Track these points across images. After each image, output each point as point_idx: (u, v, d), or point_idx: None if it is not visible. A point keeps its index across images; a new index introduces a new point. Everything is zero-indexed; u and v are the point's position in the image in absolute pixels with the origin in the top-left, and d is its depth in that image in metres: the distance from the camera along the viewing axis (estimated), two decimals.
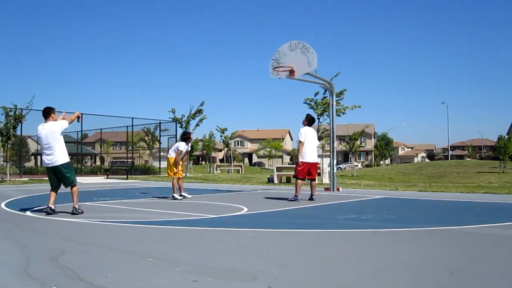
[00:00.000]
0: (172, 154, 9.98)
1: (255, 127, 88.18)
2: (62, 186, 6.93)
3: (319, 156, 21.01)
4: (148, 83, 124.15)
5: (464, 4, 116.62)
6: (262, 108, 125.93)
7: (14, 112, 18.52)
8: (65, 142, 6.86)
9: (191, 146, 10.33)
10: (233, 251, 4.16)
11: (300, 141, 9.05)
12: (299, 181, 9.04)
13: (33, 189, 13.37)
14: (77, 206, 6.82)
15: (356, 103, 22.23)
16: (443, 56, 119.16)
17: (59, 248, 4.14)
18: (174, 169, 9.87)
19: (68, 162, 6.81)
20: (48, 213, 6.60)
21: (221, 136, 38.03)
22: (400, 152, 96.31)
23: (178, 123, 23.46)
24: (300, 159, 9.07)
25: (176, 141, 24.54)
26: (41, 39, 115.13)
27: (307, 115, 9.47)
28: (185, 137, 10.23)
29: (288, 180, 18.42)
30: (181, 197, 9.69)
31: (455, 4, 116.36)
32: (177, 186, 9.85)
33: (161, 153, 30.63)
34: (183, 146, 9.91)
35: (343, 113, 16.31)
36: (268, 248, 4.27)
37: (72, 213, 6.68)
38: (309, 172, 9.17)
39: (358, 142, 38.83)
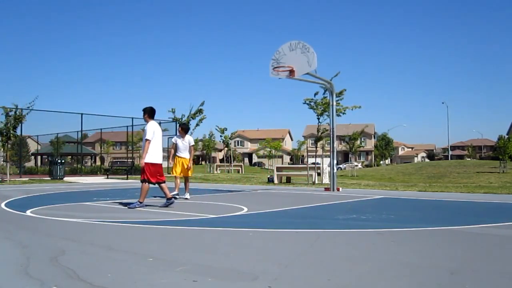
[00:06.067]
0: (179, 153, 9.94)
1: (255, 127, 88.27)
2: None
3: (319, 156, 21.01)
4: (148, 83, 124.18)
5: (464, 4, 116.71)
6: (262, 108, 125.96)
7: (15, 112, 18.50)
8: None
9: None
10: (233, 251, 4.15)
11: (148, 139, 7.92)
12: (148, 185, 8.04)
13: (33, 189, 13.36)
14: None
15: (356, 103, 22.13)
16: (443, 56, 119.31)
17: (59, 248, 4.14)
18: (175, 168, 9.89)
19: None
20: None
21: (221, 136, 38.06)
22: (400, 152, 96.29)
23: (178, 123, 23.47)
24: (151, 160, 8.05)
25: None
26: (41, 39, 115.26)
27: (147, 108, 8.27)
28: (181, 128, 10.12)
29: (288, 180, 18.43)
30: (178, 197, 9.68)
31: (455, 3, 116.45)
32: (178, 186, 9.85)
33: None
34: (174, 139, 9.99)
35: (343, 113, 16.21)
36: (268, 248, 4.27)
37: None
38: (160, 174, 8.24)
39: (358, 142, 38.80)
